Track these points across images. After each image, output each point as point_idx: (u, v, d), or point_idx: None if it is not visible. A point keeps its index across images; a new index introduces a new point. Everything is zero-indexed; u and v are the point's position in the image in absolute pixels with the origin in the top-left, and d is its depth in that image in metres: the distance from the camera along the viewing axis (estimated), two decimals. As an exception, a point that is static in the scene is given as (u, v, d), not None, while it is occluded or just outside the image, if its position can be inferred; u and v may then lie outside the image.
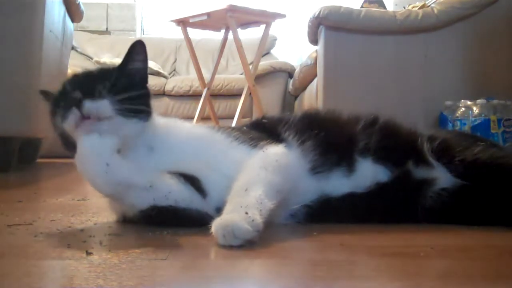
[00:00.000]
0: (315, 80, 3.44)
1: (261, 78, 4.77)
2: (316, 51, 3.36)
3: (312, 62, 3.50)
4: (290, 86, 4.73)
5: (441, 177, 1.12)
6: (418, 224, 1.08)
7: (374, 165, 1.13)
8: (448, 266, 0.77)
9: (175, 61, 5.86)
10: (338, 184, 1.11)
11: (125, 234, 0.95)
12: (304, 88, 4.09)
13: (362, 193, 1.11)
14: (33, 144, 2.83)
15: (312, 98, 3.53)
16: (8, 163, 2.20)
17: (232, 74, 5.36)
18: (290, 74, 5.05)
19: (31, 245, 0.87)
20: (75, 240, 0.90)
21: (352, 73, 3.12)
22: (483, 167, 1.10)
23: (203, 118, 4.47)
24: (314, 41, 3.34)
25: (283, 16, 3.91)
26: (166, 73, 5.43)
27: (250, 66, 3.99)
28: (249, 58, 4.09)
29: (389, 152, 1.14)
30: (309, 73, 3.64)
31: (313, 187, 1.09)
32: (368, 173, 1.12)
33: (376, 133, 1.17)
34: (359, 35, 3.12)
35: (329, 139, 1.15)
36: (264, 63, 4.92)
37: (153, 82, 5.07)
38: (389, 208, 1.09)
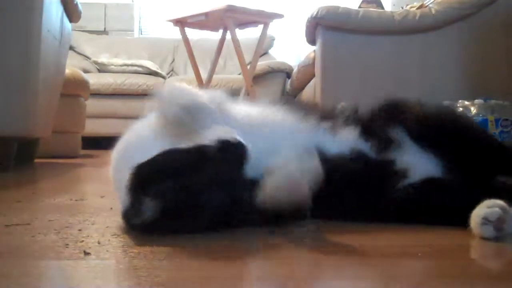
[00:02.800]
0: (313, 80, 3.44)
1: (259, 78, 4.78)
2: (314, 51, 3.36)
3: (310, 62, 3.50)
4: (288, 86, 4.73)
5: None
6: (413, 224, 1.08)
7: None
8: (446, 266, 0.77)
9: (173, 61, 5.86)
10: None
11: (123, 234, 0.95)
12: (302, 88, 4.10)
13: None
14: (31, 144, 2.83)
15: (310, 98, 3.53)
16: (6, 163, 2.20)
17: (230, 74, 5.37)
18: (288, 74, 5.05)
19: (29, 245, 0.87)
20: (73, 240, 0.90)
21: (350, 73, 3.12)
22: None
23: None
24: (312, 41, 3.34)
25: (281, 16, 3.92)
26: (164, 73, 5.43)
27: (248, 66, 3.99)
28: (247, 58, 4.09)
29: None
30: (307, 73, 3.64)
31: None
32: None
33: None
34: (357, 35, 3.12)
35: None
36: (262, 63, 4.92)
37: (150, 82, 5.07)
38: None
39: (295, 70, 4.34)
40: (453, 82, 3.17)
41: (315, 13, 3.12)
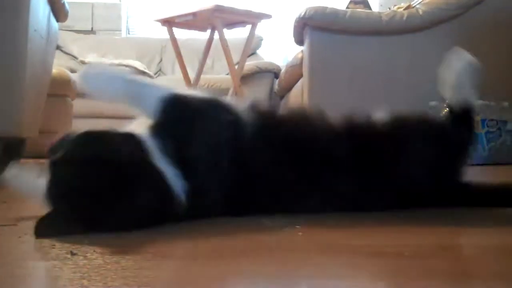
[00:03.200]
0: (300, 81, 3.45)
1: (247, 78, 4.78)
2: (302, 51, 3.37)
3: (297, 63, 3.51)
4: (276, 86, 4.74)
5: None
6: (403, 223, 1.08)
7: None
8: (433, 265, 0.78)
9: (160, 61, 5.85)
10: None
11: (110, 235, 0.94)
12: (290, 88, 4.10)
13: None
14: (17, 144, 2.81)
15: (298, 98, 3.54)
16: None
17: (218, 74, 5.36)
18: (276, 74, 5.06)
19: (15, 246, 0.86)
20: (59, 240, 0.89)
21: (338, 74, 3.13)
22: None
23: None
24: (299, 41, 3.35)
25: (269, 16, 3.92)
26: (151, 73, 5.41)
27: (236, 66, 3.99)
28: (235, 58, 4.09)
29: None
30: (295, 73, 3.65)
31: None
32: None
33: None
34: (345, 36, 3.14)
35: None
36: (250, 63, 4.92)
37: (138, 82, 5.03)
38: None
39: (283, 70, 4.35)
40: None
41: (302, 13, 3.13)
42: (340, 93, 3.09)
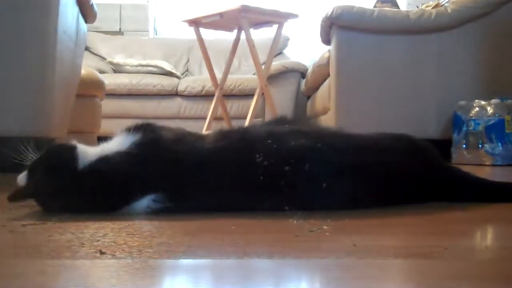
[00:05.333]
0: (327, 80, 3.43)
1: (273, 78, 4.78)
2: (329, 51, 3.35)
3: (324, 62, 3.50)
4: (303, 86, 4.73)
5: None
6: (430, 224, 1.07)
7: None
8: (462, 267, 0.77)
9: (187, 61, 5.88)
10: None
11: (138, 234, 0.95)
12: (316, 88, 4.09)
13: None
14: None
15: (325, 98, 3.52)
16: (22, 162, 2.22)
17: (244, 75, 5.36)
18: (302, 74, 5.05)
19: (44, 245, 0.88)
20: (89, 239, 0.90)
21: (365, 73, 3.11)
22: None
23: (216, 118, 4.48)
24: (326, 41, 3.34)
25: (295, 16, 3.91)
26: (178, 73, 5.44)
27: (263, 66, 3.99)
28: (262, 58, 4.10)
29: None
30: (322, 73, 3.63)
31: None
32: None
33: None
34: (372, 35, 3.12)
35: None
36: (277, 63, 4.92)
37: (165, 82, 5.08)
38: None
39: (309, 70, 4.34)
40: (469, 81, 3.14)
41: (329, 12, 3.11)
42: (367, 93, 3.07)
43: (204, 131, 4.37)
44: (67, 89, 2.70)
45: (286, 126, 1.22)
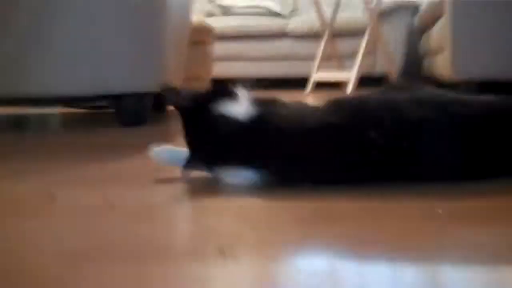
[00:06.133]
0: (443, 18, 3.25)
1: (384, 14, 4.63)
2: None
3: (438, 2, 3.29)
4: (416, 21, 4.53)
5: None
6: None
7: None
8: None
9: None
10: None
11: (263, 226, 0.92)
12: (431, 24, 3.89)
13: None
14: (170, 92, 2.95)
15: (440, 37, 3.35)
16: (144, 117, 2.33)
17: (354, 11, 5.20)
18: (415, 9, 4.85)
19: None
20: (211, 240, 0.83)
21: (485, 13, 2.88)
22: None
23: (327, 58, 4.44)
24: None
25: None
26: (286, 13, 5.38)
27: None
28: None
29: None
30: (437, 10, 3.44)
31: None
32: None
33: None
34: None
35: None
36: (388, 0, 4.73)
37: (273, 23, 5.06)
38: None
39: (424, 5, 4.14)
40: None
41: None
42: (487, 35, 2.87)
43: (315, 72, 4.34)
44: (180, 41, 2.76)
45: (403, 94, 1.17)
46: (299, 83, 4.89)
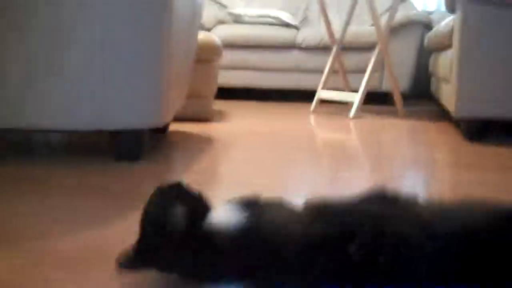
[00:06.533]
0: (450, 50, 3.21)
1: (395, 30, 4.61)
2: (453, 20, 3.10)
3: (448, 30, 3.25)
4: (426, 40, 4.49)
5: None
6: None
7: None
8: None
9: (306, 8, 5.74)
10: None
11: None
12: (440, 49, 3.85)
13: None
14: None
15: (446, 67, 3.31)
16: (141, 153, 2.33)
17: (364, 25, 5.15)
18: (427, 25, 4.81)
19: None
20: None
21: (494, 52, 2.82)
22: None
23: (334, 71, 4.43)
24: (450, 8, 3.09)
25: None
26: (297, 23, 5.34)
27: (385, 16, 3.84)
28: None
29: None
30: (444, 40, 3.40)
31: None
32: None
33: None
34: (505, 9, 2.81)
35: None
36: (400, 15, 4.67)
37: (283, 34, 5.05)
38: None
39: (431, 33, 4.12)
40: None
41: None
42: (495, 73, 2.83)
43: (320, 88, 4.32)
44: (183, 72, 2.75)
45: (389, 206, 1.16)
46: (306, 95, 4.87)
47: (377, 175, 2.12)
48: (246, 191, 1.24)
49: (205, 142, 2.78)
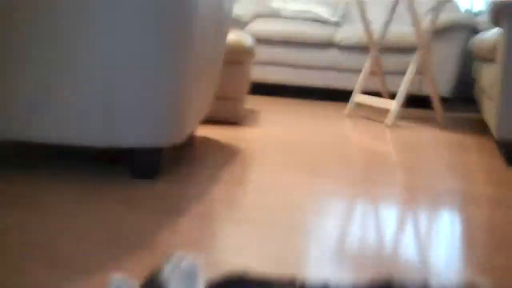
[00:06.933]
0: (494, 65, 3.02)
1: (438, 32, 4.42)
2: (498, 34, 2.91)
3: (491, 44, 3.06)
4: (471, 45, 4.28)
5: None
6: None
7: None
8: None
9: (347, 3, 5.55)
10: None
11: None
12: (484, 59, 3.64)
13: None
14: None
15: (489, 81, 3.13)
16: (159, 170, 2.24)
17: (403, 24, 4.95)
18: (472, 29, 4.60)
19: None
20: None
21: None
22: None
23: (372, 72, 4.29)
24: (495, 21, 2.90)
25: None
26: (335, 19, 5.18)
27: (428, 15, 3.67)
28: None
29: None
30: (489, 53, 3.21)
31: None
32: None
33: None
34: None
35: None
36: (444, 17, 4.47)
37: (321, 32, 4.91)
38: None
39: (477, 37, 3.91)
40: None
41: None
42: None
43: (356, 91, 4.17)
44: (208, 79, 2.66)
45: None
46: (342, 94, 4.74)
47: (404, 215, 1.99)
48: (261, 231, 1.12)
49: (230, 155, 2.69)
